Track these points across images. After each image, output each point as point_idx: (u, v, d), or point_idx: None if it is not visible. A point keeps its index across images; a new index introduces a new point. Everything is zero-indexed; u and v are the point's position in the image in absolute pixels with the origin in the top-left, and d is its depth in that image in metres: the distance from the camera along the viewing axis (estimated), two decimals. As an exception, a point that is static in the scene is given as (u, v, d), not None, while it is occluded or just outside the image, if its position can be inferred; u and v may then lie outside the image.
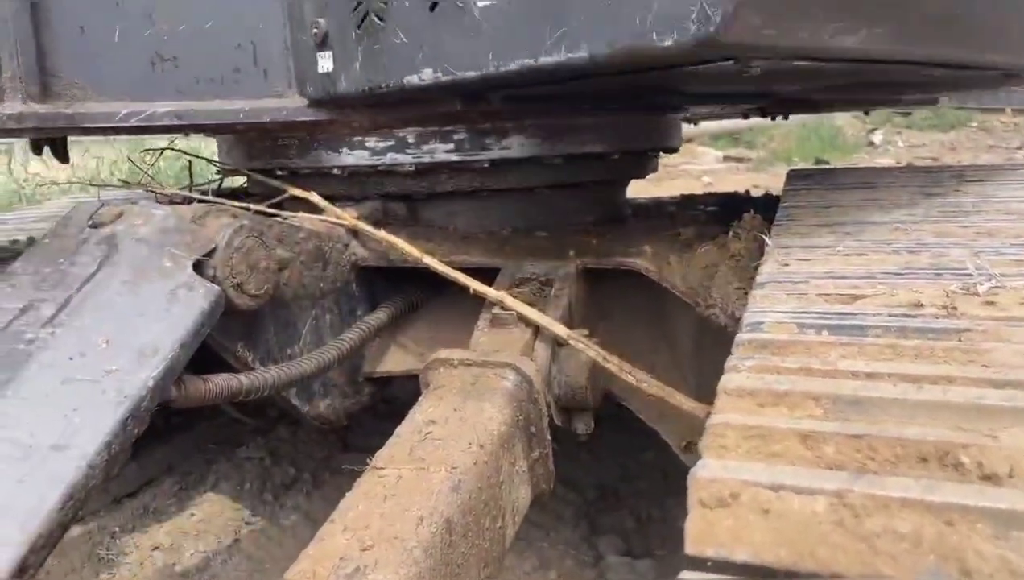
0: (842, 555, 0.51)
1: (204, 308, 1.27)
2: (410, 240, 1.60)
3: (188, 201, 1.70)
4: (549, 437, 1.31)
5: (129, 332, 1.19)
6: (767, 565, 0.52)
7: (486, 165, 1.84)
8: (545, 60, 1.13)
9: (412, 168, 1.83)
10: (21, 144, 6.03)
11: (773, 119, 2.92)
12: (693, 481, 0.58)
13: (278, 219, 1.60)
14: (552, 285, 1.58)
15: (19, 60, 1.43)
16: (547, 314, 1.44)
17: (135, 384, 1.13)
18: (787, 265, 1.11)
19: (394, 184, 1.90)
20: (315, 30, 1.52)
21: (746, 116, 3.35)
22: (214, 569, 1.92)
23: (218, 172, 2.20)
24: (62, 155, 1.85)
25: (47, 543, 0.97)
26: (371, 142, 1.83)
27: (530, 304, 1.46)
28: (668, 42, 0.99)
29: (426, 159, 1.82)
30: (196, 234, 1.36)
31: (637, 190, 2.58)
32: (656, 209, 2.55)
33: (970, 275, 0.98)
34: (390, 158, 1.83)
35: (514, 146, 1.85)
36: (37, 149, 1.84)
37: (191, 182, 2.21)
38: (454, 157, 1.82)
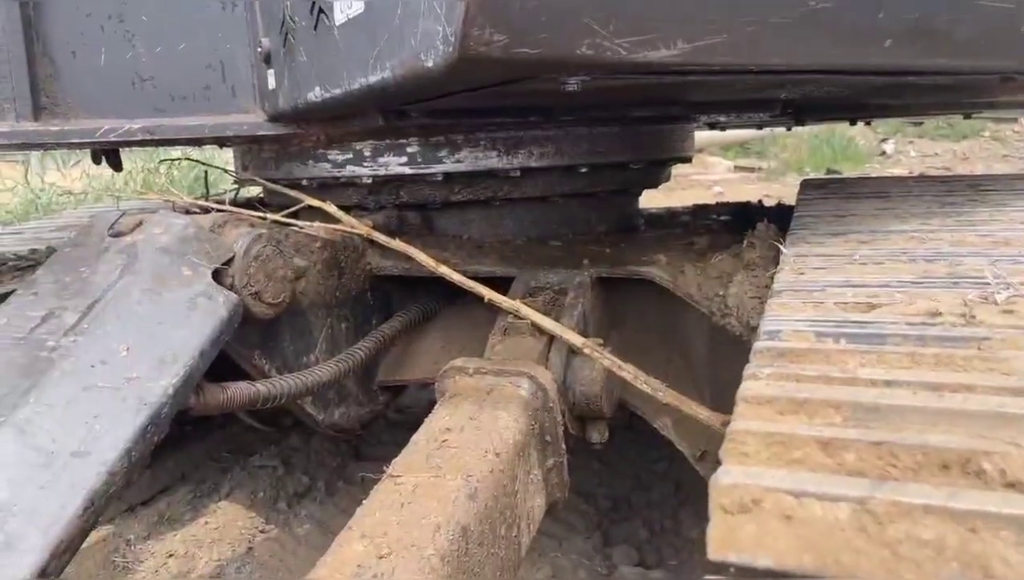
0: (865, 561, 0.51)
1: (223, 316, 1.29)
2: (425, 249, 1.62)
3: (206, 211, 1.72)
4: (564, 446, 1.31)
5: (149, 340, 1.20)
6: (790, 571, 0.52)
7: (509, 175, 1.85)
8: (372, 79, 1.11)
9: (420, 178, 1.85)
10: (36, 154, 6.10)
11: (789, 129, 2.91)
12: (714, 487, 0.58)
13: (295, 228, 1.62)
14: (566, 294, 1.58)
15: (13, 85, 1.59)
16: (561, 323, 1.44)
17: (155, 391, 1.14)
18: (803, 274, 1.11)
19: (409, 194, 1.91)
20: (258, 49, 1.57)
21: (760, 127, 3.35)
22: (228, 577, 1.93)
23: (234, 182, 2.22)
24: (115, 163, 2.03)
25: (68, 548, 0.98)
26: (383, 158, 1.86)
27: (544, 313, 1.46)
28: (430, 63, 0.93)
29: (435, 169, 1.85)
30: (215, 243, 1.37)
31: (649, 200, 2.58)
32: (669, 219, 2.55)
33: (988, 284, 0.98)
34: (395, 171, 1.86)
35: (528, 157, 1.86)
36: (96, 158, 2.03)
37: (207, 192, 2.24)
38: (463, 168, 1.85)
